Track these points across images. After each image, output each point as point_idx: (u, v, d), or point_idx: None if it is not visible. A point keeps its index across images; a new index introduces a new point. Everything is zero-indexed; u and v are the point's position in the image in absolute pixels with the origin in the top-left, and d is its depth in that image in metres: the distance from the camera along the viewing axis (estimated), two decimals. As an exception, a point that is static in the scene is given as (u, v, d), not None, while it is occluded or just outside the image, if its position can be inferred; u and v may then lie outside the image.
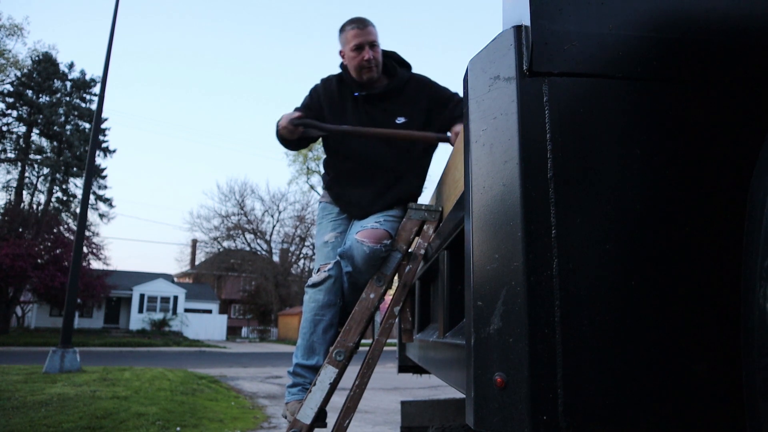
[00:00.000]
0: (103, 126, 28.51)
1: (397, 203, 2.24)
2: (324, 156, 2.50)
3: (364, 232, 2.03)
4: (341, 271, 2.23)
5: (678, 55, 0.87)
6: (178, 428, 4.61)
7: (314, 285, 2.25)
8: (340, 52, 2.32)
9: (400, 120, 2.26)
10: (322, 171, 2.52)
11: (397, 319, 2.11)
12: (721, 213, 0.83)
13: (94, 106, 27.44)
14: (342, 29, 2.29)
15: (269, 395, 7.63)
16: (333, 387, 1.94)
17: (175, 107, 68.04)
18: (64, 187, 28.27)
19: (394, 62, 2.37)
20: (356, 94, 2.29)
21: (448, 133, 2.19)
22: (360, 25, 2.23)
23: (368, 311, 1.98)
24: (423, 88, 2.33)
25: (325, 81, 2.41)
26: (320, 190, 2.63)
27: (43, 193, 28.03)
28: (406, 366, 2.78)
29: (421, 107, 2.29)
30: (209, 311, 34.51)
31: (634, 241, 0.82)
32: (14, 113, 27.09)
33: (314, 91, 2.39)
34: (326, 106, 2.34)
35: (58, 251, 23.66)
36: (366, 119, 2.27)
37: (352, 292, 2.20)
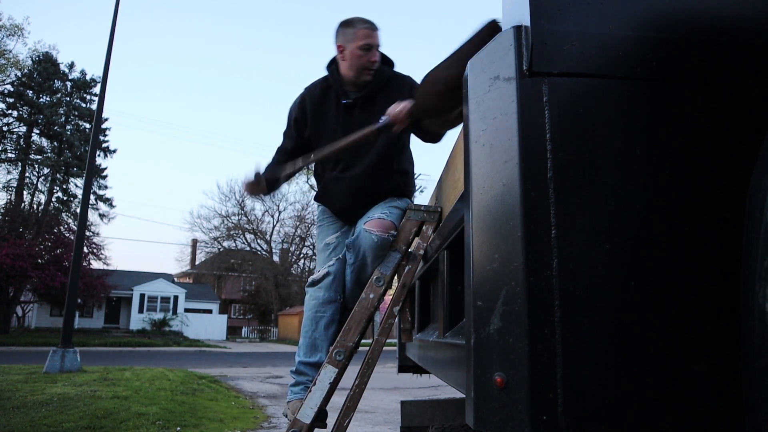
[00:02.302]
0: (103, 126, 28.52)
1: (380, 200, 2.21)
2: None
3: (372, 222, 2.05)
4: (341, 268, 2.24)
5: (678, 55, 0.87)
6: (178, 428, 4.61)
7: (314, 283, 2.27)
8: (339, 46, 2.19)
9: (383, 119, 2.16)
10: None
11: (396, 319, 2.11)
12: (721, 213, 0.83)
13: (94, 107, 27.39)
14: (349, 24, 2.17)
15: (269, 395, 7.63)
16: (333, 387, 1.94)
17: (175, 107, 68.12)
18: (64, 187, 28.30)
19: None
20: (344, 101, 2.23)
21: (383, 118, 1.98)
22: (372, 26, 2.17)
23: (368, 311, 1.98)
24: (402, 88, 2.20)
25: (310, 90, 2.33)
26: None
27: (43, 193, 28.09)
28: (406, 366, 2.79)
29: None
30: (209, 311, 34.52)
31: (634, 241, 0.82)
32: (15, 113, 27.15)
33: (302, 102, 2.32)
34: (311, 117, 2.29)
35: (58, 251, 23.68)
36: (351, 124, 2.20)
37: (354, 287, 2.21)
